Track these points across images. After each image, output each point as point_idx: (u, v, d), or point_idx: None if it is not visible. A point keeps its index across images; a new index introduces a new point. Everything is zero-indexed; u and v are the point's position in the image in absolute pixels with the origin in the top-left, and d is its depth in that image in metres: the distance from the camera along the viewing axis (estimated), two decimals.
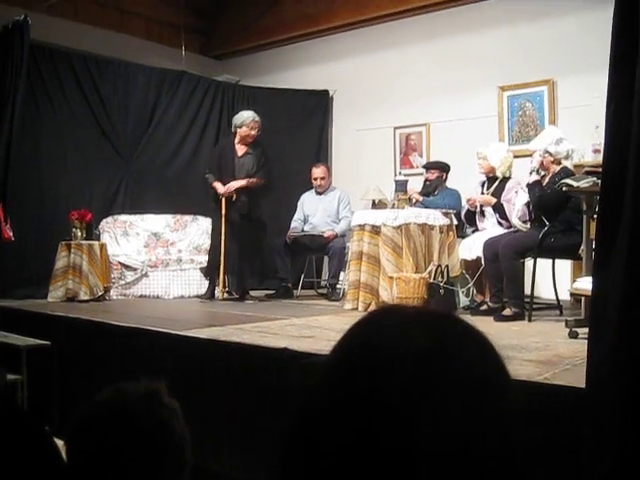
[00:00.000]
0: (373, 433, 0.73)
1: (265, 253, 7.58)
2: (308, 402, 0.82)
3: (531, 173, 5.80)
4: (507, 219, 6.15)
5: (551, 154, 5.71)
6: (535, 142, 5.94)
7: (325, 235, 7.58)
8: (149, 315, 6.07)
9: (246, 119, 7.05)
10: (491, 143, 6.59)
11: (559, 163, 5.74)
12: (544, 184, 5.72)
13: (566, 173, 5.58)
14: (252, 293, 7.33)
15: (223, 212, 6.87)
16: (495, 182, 6.35)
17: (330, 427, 0.77)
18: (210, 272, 7.11)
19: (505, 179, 6.33)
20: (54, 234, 7.03)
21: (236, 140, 7.13)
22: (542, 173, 5.77)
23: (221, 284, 6.88)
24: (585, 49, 6.88)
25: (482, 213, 6.41)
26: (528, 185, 5.80)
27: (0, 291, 6.43)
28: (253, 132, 7.07)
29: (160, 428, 1.39)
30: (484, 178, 6.50)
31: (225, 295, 6.98)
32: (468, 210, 6.53)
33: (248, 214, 6.98)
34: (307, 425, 0.80)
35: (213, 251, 7.04)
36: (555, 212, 5.59)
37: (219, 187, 6.89)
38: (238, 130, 7.08)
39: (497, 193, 6.28)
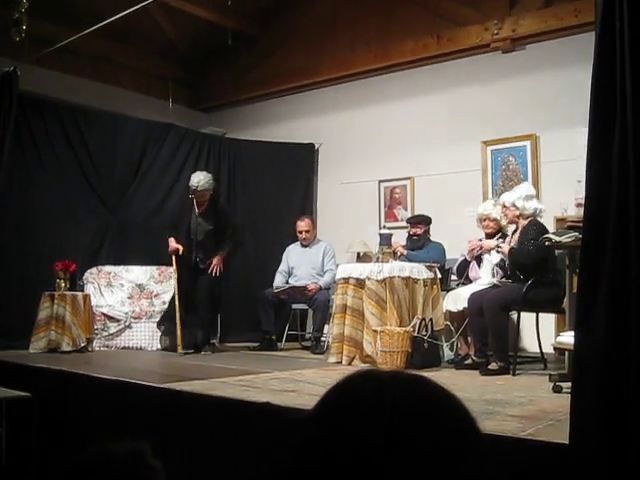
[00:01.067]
0: None
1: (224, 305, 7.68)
2: (292, 459, 0.84)
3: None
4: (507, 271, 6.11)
5: (517, 208, 5.78)
6: (506, 195, 6.01)
7: (309, 288, 7.58)
8: (132, 367, 6.01)
9: (197, 186, 7.00)
10: (487, 203, 6.56)
11: (526, 217, 5.80)
12: (516, 239, 5.77)
13: (537, 227, 5.66)
14: (234, 345, 7.42)
15: (174, 267, 6.94)
16: (494, 237, 6.34)
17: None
18: (168, 323, 7.13)
19: (504, 235, 6.34)
20: (38, 284, 7.00)
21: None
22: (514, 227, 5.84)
23: (179, 339, 6.84)
24: (567, 105, 6.99)
25: (479, 262, 6.39)
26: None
27: None
28: (204, 198, 7.10)
29: None
30: (481, 235, 6.50)
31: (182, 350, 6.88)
32: (464, 260, 6.52)
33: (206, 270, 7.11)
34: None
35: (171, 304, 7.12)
36: (529, 269, 5.61)
37: (171, 243, 6.99)
38: (190, 192, 7.11)
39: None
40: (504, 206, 5.96)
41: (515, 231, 5.96)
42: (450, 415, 0.83)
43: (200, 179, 7.10)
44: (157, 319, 7.40)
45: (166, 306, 7.41)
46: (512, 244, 5.83)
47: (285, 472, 0.83)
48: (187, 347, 6.89)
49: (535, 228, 5.67)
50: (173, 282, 7.16)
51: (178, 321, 6.82)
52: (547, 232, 5.64)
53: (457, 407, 0.84)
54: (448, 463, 0.77)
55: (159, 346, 7.28)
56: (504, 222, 6.29)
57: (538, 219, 5.85)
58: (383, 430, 0.77)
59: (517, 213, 5.81)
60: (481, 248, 6.28)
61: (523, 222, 5.80)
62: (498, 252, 5.93)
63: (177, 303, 6.88)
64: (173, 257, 6.97)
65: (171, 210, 8.14)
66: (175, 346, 6.89)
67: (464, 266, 6.52)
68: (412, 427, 0.78)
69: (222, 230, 7.19)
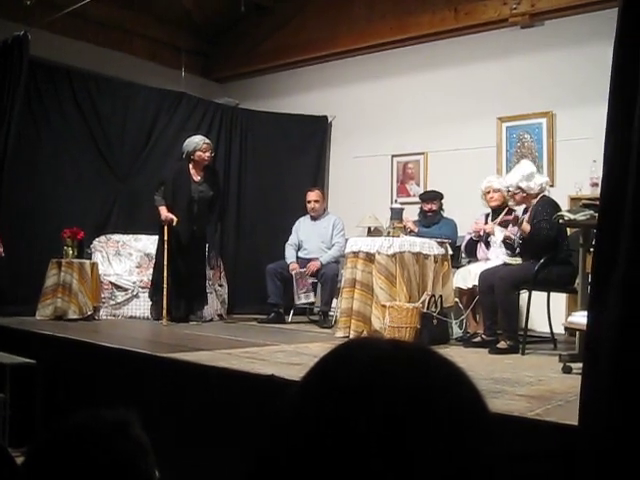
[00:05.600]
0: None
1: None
2: (276, 429, 0.79)
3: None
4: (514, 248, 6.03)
5: (523, 189, 5.69)
6: (509, 178, 5.92)
7: (309, 267, 7.58)
8: (138, 337, 6.01)
9: (198, 143, 7.07)
10: (491, 177, 6.54)
11: (535, 196, 5.72)
12: (527, 219, 5.68)
13: (549, 204, 5.58)
14: (242, 316, 7.59)
15: (165, 237, 6.85)
16: (501, 213, 6.25)
17: (294, 460, 0.74)
18: (155, 293, 7.04)
19: (510, 210, 6.24)
20: (45, 251, 6.96)
21: (191, 165, 7.10)
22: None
23: (165, 309, 6.75)
24: (585, 83, 6.89)
25: (487, 243, 6.33)
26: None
27: None
28: (207, 154, 7.10)
29: (121, 464, 1.29)
30: (488, 210, 6.44)
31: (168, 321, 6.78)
32: (470, 239, 6.45)
33: (200, 240, 7.17)
34: (273, 455, 0.77)
35: (159, 273, 6.96)
36: (545, 248, 5.54)
37: (163, 212, 6.87)
38: (192, 156, 7.06)
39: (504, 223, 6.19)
40: (509, 191, 5.89)
41: (526, 210, 5.86)
42: (454, 392, 0.76)
43: (199, 136, 7.20)
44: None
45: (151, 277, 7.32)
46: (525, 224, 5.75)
47: (262, 457, 0.77)
48: (175, 318, 6.87)
49: (547, 206, 5.59)
50: (159, 253, 7.05)
51: (165, 292, 6.73)
52: (559, 207, 5.58)
53: (463, 382, 0.78)
54: (451, 444, 0.71)
55: (149, 316, 7.17)
56: (511, 203, 6.21)
57: (546, 194, 5.78)
58: (378, 410, 0.70)
59: (524, 195, 5.73)
60: (484, 232, 6.24)
61: (532, 201, 5.73)
62: (514, 232, 5.85)
63: (165, 274, 6.76)
64: (165, 227, 6.85)
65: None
66: (160, 316, 6.81)
67: (472, 245, 6.46)
68: (411, 404, 0.71)
69: (217, 196, 7.25)
